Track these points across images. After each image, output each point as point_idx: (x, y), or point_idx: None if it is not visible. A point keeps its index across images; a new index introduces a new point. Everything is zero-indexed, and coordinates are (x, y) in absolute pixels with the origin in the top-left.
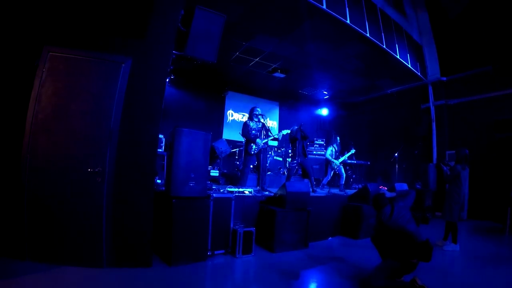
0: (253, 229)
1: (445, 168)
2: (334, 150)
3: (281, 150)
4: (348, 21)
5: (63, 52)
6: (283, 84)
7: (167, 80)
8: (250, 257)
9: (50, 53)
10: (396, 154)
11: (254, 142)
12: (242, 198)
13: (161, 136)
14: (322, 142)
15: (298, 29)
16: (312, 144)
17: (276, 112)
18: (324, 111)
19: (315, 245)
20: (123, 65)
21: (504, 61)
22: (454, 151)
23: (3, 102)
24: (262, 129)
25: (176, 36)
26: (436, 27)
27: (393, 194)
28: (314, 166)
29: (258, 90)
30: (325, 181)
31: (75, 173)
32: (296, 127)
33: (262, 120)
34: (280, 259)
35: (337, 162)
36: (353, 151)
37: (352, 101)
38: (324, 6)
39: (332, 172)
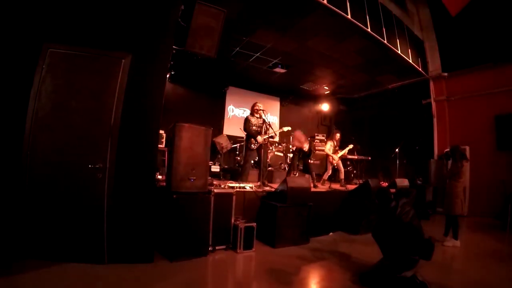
0: (254, 224)
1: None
2: (333, 145)
3: (282, 145)
4: (349, 16)
5: (62, 49)
6: (283, 80)
7: (168, 75)
8: (251, 253)
9: (50, 49)
10: (397, 150)
11: (255, 138)
12: (243, 193)
13: (161, 131)
14: (323, 138)
15: (298, 24)
16: (313, 139)
17: (277, 108)
18: (325, 107)
19: (316, 240)
20: (123, 60)
21: (506, 57)
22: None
23: (3, 100)
24: (263, 125)
25: (176, 31)
26: (438, 22)
27: (395, 189)
28: (315, 162)
29: (259, 85)
30: (325, 176)
31: (76, 170)
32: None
33: (263, 116)
34: (281, 254)
35: (335, 157)
36: (351, 146)
37: (353, 97)
38: (325, 1)
39: (332, 167)
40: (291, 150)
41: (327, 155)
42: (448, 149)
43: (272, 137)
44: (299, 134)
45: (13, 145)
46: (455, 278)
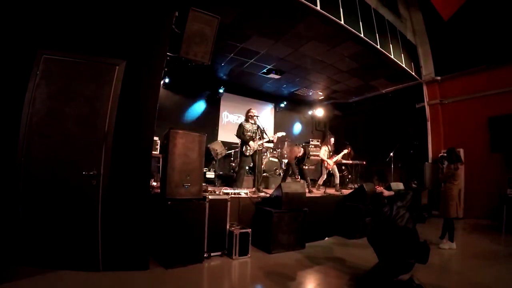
0: (249, 230)
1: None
2: (327, 150)
3: (276, 151)
4: (342, 22)
5: (57, 55)
6: (278, 85)
7: (162, 82)
8: (247, 259)
9: (44, 55)
10: (391, 154)
11: (249, 144)
12: (238, 199)
13: (156, 138)
14: (318, 143)
15: (292, 30)
16: (308, 144)
17: (271, 113)
18: (319, 112)
19: (312, 245)
20: (117, 67)
21: (498, 59)
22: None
23: None
24: (258, 131)
25: (171, 38)
26: (430, 27)
27: (391, 193)
28: (310, 167)
29: (253, 91)
30: (320, 181)
31: (70, 176)
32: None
33: (257, 122)
34: (276, 260)
35: (330, 162)
36: (345, 151)
37: (347, 102)
38: (318, 7)
39: (327, 172)
40: (285, 156)
41: (322, 160)
42: (442, 153)
43: (271, 141)
44: (288, 148)
45: (7, 151)
46: (452, 280)
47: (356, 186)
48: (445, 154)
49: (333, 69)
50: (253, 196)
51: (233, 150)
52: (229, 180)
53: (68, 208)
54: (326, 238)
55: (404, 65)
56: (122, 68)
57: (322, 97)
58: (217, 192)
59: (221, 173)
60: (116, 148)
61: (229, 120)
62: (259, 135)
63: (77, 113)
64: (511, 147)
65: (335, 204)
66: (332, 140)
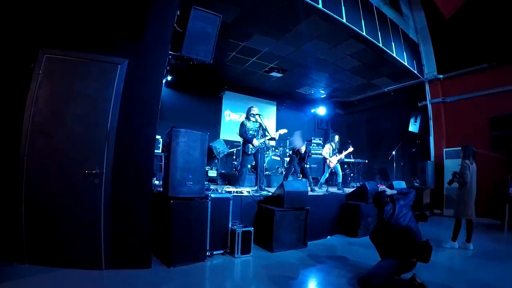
0: (251, 228)
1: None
2: (331, 148)
3: (279, 149)
4: (344, 20)
5: (59, 54)
6: (280, 84)
7: (164, 80)
8: (249, 257)
9: (46, 55)
10: (393, 152)
11: (251, 142)
12: (240, 198)
13: (158, 136)
14: (320, 141)
15: (294, 28)
16: (310, 143)
17: (273, 112)
18: (321, 110)
19: (314, 244)
20: (119, 66)
21: (500, 58)
22: (460, 148)
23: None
24: (259, 129)
25: (172, 36)
26: (433, 25)
27: (394, 191)
28: (312, 165)
29: (255, 90)
30: (322, 179)
31: (73, 175)
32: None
33: (259, 120)
34: (279, 259)
35: (333, 160)
36: (350, 149)
37: (349, 100)
38: (320, 5)
39: (329, 171)
40: (287, 154)
41: (325, 158)
42: (453, 172)
43: (273, 139)
44: (298, 136)
45: (9, 150)
46: (454, 279)
47: (358, 184)
48: (463, 150)
49: (335, 67)
50: (255, 194)
51: (235, 149)
52: (231, 178)
53: (70, 206)
54: (328, 237)
55: (406, 64)
56: (125, 67)
57: (324, 96)
58: (219, 191)
59: (223, 171)
60: (118, 147)
61: (231, 119)
62: (261, 133)
63: (79, 112)
64: None
65: (337, 203)
66: (337, 138)
